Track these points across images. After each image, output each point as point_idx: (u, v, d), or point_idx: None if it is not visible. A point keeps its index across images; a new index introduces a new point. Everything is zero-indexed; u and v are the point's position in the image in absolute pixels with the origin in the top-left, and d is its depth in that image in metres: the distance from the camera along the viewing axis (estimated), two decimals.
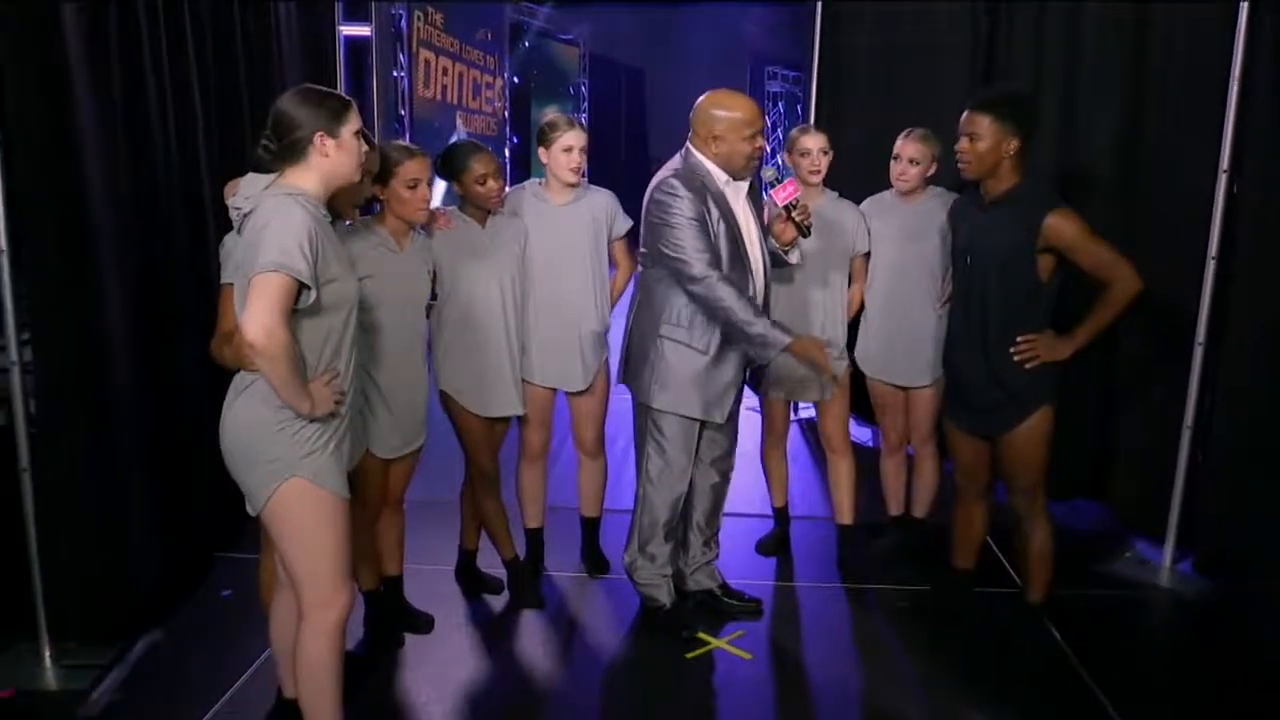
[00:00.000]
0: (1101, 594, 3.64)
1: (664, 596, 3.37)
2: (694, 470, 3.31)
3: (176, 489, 3.46)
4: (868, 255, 3.68)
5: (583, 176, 3.44)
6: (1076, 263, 2.93)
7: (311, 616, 2.35)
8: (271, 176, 2.29)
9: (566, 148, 3.34)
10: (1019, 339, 2.98)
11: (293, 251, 2.12)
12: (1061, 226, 2.89)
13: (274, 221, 2.15)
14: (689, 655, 3.20)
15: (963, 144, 3.00)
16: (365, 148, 2.39)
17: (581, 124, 3.44)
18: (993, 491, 3.34)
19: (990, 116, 2.95)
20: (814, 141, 3.58)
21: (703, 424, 3.21)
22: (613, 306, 3.55)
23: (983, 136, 2.95)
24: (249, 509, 2.36)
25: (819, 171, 3.56)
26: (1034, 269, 2.95)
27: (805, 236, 3.14)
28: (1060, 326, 3.02)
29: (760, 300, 3.11)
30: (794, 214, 3.09)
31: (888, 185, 3.67)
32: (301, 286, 2.15)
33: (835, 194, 3.68)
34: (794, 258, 3.22)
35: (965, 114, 3.01)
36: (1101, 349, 3.59)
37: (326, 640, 2.37)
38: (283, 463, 2.25)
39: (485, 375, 3.25)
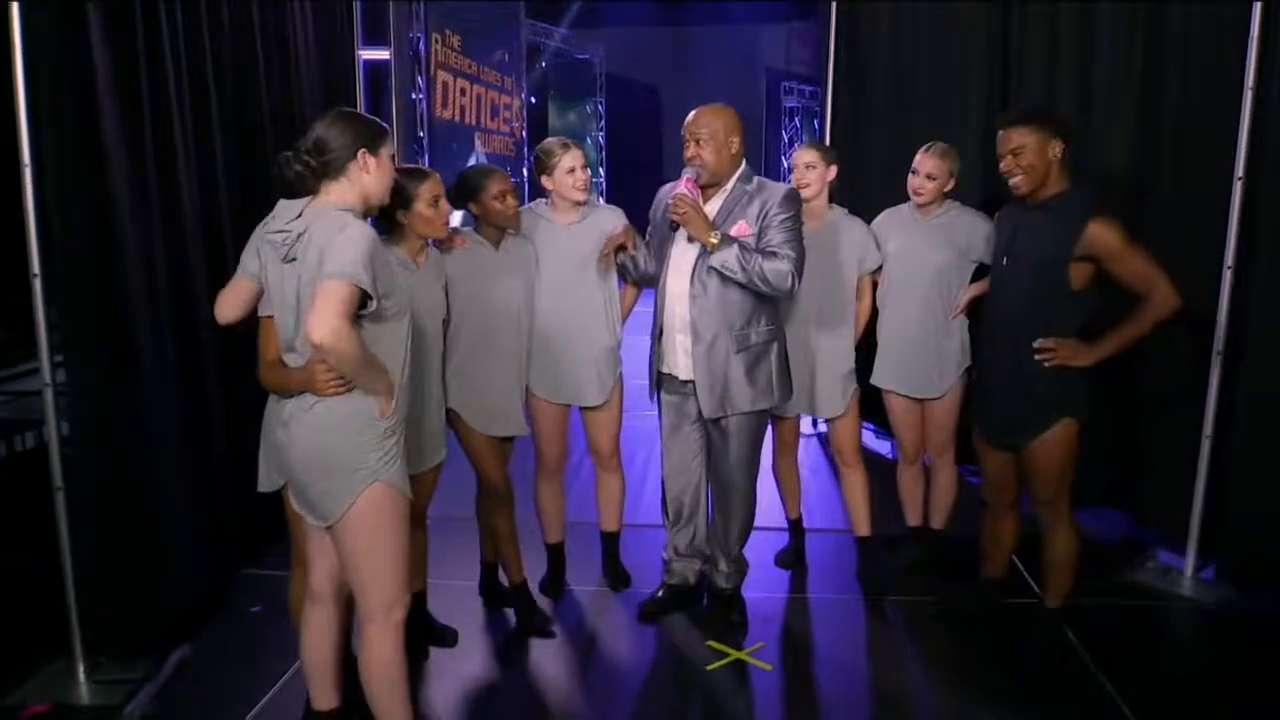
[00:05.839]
0: (1124, 603, 3.63)
1: (673, 579, 3.57)
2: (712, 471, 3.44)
3: (204, 506, 3.52)
4: (878, 271, 3.71)
5: (589, 192, 3.48)
6: (1113, 273, 2.93)
7: (378, 618, 2.40)
8: (302, 202, 2.35)
9: (569, 169, 3.39)
10: (1041, 340, 2.98)
11: (359, 262, 2.19)
12: (1101, 235, 2.89)
13: (340, 235, 2.22)
14: (710, 667, 3.23)
15: (1008, 162, 3.00)
16: (394, 174, 2.47)
17: (575, 143, 3.48)
18: (1019, 504, 3.35)
19: (1025, 126, 2.96)
20: (798, 157, 3.67)
21: (701, 421, 3.34)
22: (623, 322, 3.59)
23: (1027, 148, 2.95)
24: (316, 520, 2.40)
25: (806, 185, 3.58)
26: (1066, 275, 2.95)
27: (671, 229, 3.24)
28: (1095, 337, 3.02)
29: (681, 302, 3.23)
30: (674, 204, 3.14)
31: (906, 197, 3.70)
32: (365, 297, 2.22)
33: (844, 211, 3.72)
34: (714, 260, 3.10)
35: (1000, 134, 3.02)
36: (1122, 357, 3.59)
37: (394, 638, 2.42)
38: (367, 469, 2.31)
39: (491, 395, 3.29)
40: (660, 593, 3.59)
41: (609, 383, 3.54)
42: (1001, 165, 3.04)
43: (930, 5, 4.71)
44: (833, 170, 3.65)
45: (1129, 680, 3.10)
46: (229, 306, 2.63)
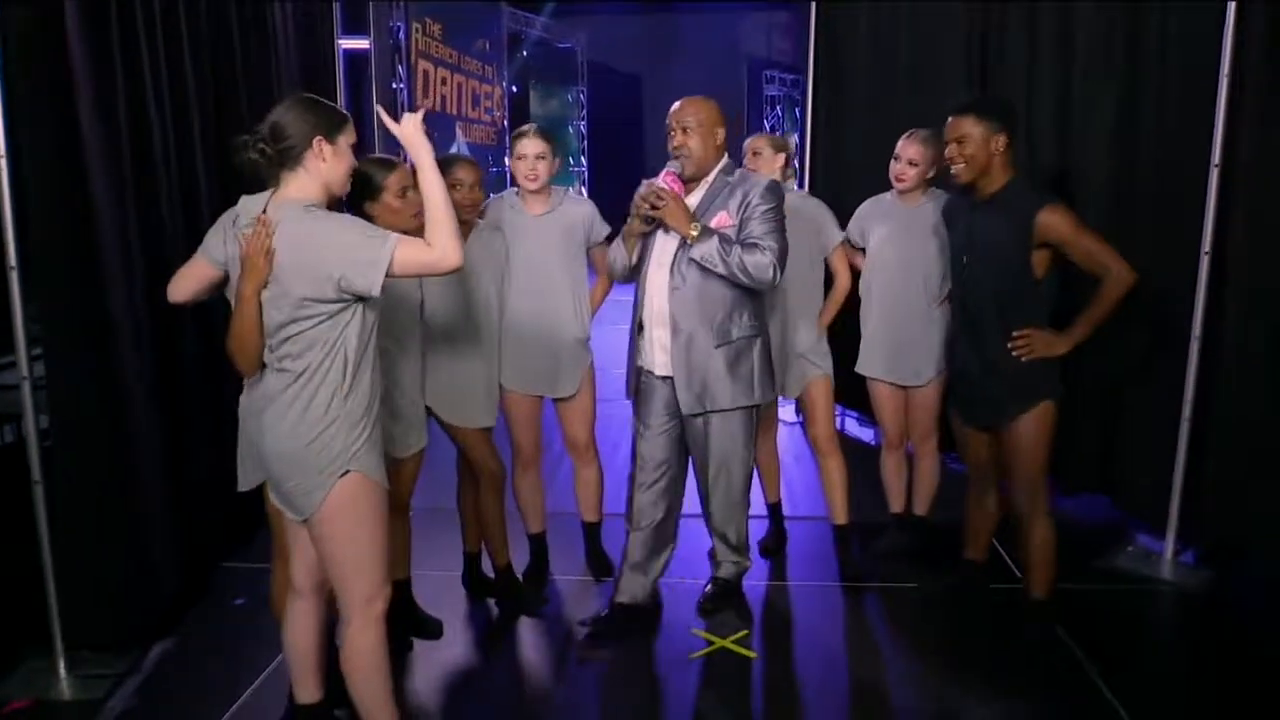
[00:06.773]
0: (1104, 587, 3.67)
1: (620, 596, 3.39)
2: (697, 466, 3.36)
3: (185, 500, 3.50)
4: (854, 249, 3.76)
5: (545, 184, 3.42)
6: (1070, 257, 2.99)
7: (360, 611, 2.38)
8: (264, 195, 2.32)
9: (520, 155, 3.39)
10: (1015, 334, 3.03)
11: (369, 227, 2.29)
12: (1053, 222, 2.95)
13: (338, 229, 2.25)
14: (693, 655, 3.24)
15: (951, 150, 3.07)
16: (353, 162, 2.44)
17: (543, 131, 3.45)
18: (1000, 485, 3.37)
19: (973, 116, 3.02)
20: (748, 144, 3.72)
21: (675, 420, 3.27)
22: (593, 314, 3.59)
23: (970, 137, 3.02)
24: (293, 515, 2.38)
25: (753, 171, 3.53)
26: (1028, 265, 3.01)
27: (647, 224, 3.12)
28: (1064, 322, 3.07)
29: (660, 295, 3.14)
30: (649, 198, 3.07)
31: (887, 186, 3.71)
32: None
33: (801, 192, 3.76)
34: (694, 253, 3.04)
35: (948, 122, 3.09)
36: (1101, 343, 3.62)
37: (376, 630, 2.41)
38: (335, 462, 2.29)
39: (463, 387, 3.29)
40: (604, 613, 3.41)
41: (579, 374, 3.55)
42: (945, 153, 3.12)
43: (910, 4, 4.72)
44: (780, 158, 3.67)
45: (1110, 663, 3.12)
46: (184, 287, 2.59)
